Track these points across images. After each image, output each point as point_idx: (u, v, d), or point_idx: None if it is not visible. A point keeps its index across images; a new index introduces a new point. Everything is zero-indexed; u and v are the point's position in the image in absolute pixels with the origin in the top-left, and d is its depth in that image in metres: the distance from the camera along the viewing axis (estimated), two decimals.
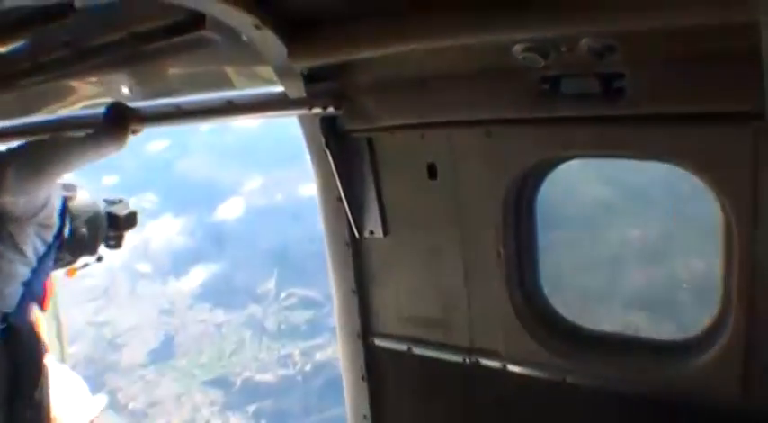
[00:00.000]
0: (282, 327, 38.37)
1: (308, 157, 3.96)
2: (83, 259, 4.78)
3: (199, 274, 42.53)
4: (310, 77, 3.43)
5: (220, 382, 35.38)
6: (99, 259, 4.78)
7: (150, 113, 4.34)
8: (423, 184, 3.55)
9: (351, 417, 4.22)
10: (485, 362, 3.59)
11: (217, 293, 40.63)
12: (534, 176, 3.34)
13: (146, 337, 38.39)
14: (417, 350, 3.81)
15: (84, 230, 4.39)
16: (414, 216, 3.69)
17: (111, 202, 4.76)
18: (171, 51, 3.76)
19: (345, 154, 3.69)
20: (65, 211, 4.35)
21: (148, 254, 42.23)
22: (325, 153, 3.67)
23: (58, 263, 4.55)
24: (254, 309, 39.57)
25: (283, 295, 40.36)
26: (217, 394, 34.84)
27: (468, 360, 3.64)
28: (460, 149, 3.40)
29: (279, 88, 3.66)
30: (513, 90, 3.09)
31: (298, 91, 3.48)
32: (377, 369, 4.03)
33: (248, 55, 3.52)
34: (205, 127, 60.27)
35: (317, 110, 3.55)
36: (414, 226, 3.71)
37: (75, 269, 4.70)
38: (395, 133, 3.57)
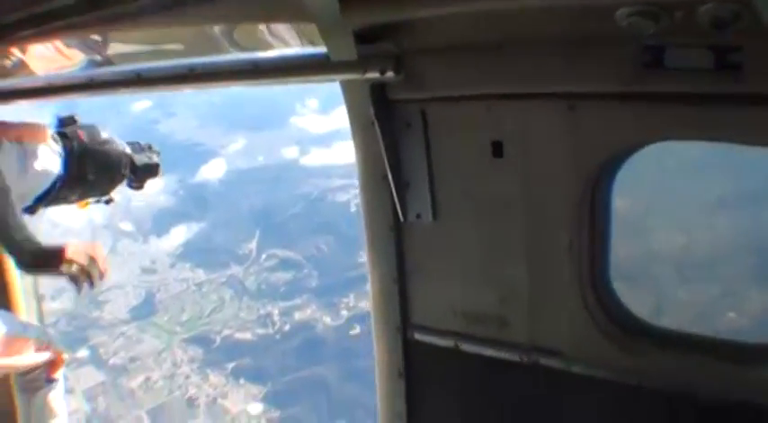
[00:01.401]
0: (262, 287, 38.91)
1: (344, 125, 3.52)
2: (93, 199, 4.62)
3: (180, 234, 42.94)
4: (362, 37, 2.99)
5: (200, 340, 35.97)
6: (108, 202, 4.57)
7: (157, 75, 3.83)
8: (485, 163, 3.12)
9: (384, 415, 3.85)
10: (545, 361, 3.25)
11: (198, 253, 41.04)
12: (620, 159, 3.01)
13: (127, 294, 38.83)
14: (465, 347, 3.43)
15: (91, 176, 4.29)
16: (470, 199, 3.25)
17: (138, 148, 4.57)
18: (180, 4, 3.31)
19: (395, 126, 3.26)
20: (70, 152, 4.27)
21: (131, 213, 42.50)
22: (372, 124, 3.22)
23: (63, 200, 4.46)
24: (235, 269, 40.02)
25: (264, 256, 40.89)
26: (197, 351, 35.46)
27: (525, 359, 3.29)
28: (535, 126, 3.00)
29: (311, 50, 3.26)
30: (607, 60, 2.73)
31: (348, 52, 3.03)
32: (416, 365, 3.67)
33: (277, 9, 3.13)
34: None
35: (370, 74, 3.11)
36: (469, 210, 3.28)
37: (88, 202, 4.64)
38: (456, 104, 3.13)
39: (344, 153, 48.83)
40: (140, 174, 4.55)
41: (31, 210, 4.22)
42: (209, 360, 35.05)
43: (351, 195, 44.15)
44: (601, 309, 3.13)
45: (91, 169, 4.33)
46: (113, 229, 41.63)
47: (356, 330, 36.09)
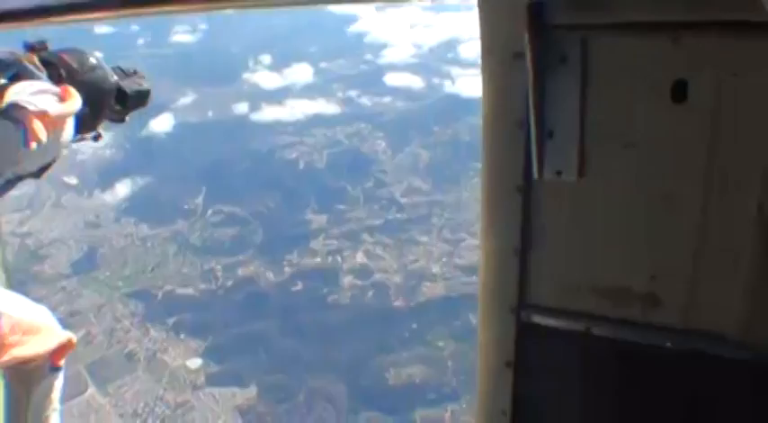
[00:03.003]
0: (207, 243, 38.79)
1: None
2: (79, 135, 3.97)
3: (126, 188, 42.51)
4: None
5: (142, 295, 35.84)
6: (95, 138, 3.94)
7: None
8: (660, 108, 2.61)
9: (483, 410, 3.34)
10: (706, 348, 2.80)
11: (143, 208, 40.72)
12: None
13: (69, 248, 38.49)
14: (599, 330, 2.93)
15: (83, 109, 3.59)
16: (633, 151, 2.70)
17: (124, 74, 3.98)
18: None
19: (547, 60, 2.68)
20: (58, 82, 3.62)
21: (75, 166, 41.95)
22: (515, 57, 2.69)
23: None
24: (181, 224, 39.84)
25: (210, 212, 40.72)
26: (138, 306, 35.33)
27: (679, 344, 2.82)
28: (741, 61, 2.45)
29: None
30: None
31: None
32: (531, 354, 3.13)
33: None
34: (142, 40, 59.10)
35: None
36: (627, 167, 2.74)
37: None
38: (630, 33, 2.58)
39: (296, 110, 48.63)
40: (131, 102, 3.96)
41: None
42: (150, 315, 34.95)
43: (299, 152, 44.12)
44: None
45: (82, 101, 3.62)
46: (57, 182, 41.03)
47: (298, 287, 36.21)
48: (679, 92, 2.58)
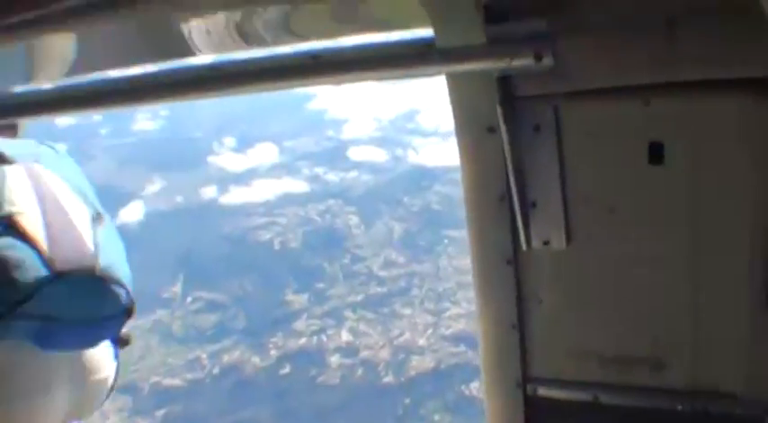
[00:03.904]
0: (189, 331, 38.59)
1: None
2: None
3: None
4: (490, 14, 2.37)
5: (128, 389, 35.21)
6: None
7: (175, 79, 2.92)
8: (639, 170, 2.58)
9: None
10: (716, 408, 2.75)
11: None
12: None
13: None
14: (609, 398, 2.88)
15: None
16: (617, 216, 2.67)
17: None
18: None
19: (521, 131, 2.62)
20: None
21: None
22: (489, 131, 2.64)
23: None
24: (161, 313, 39.54)
25: (189, 299, 40.59)
26: (125, 400, 34.74)
27: (688, 406, 2.78)
28: (713, 121, 2.45)
29: (400, 34, 2.63)
30: None
31: (471, 34, 2.40)
32: None
33: None
34: (104, 130, 58.89)
35: (500, 63, 2.44)
36: (614, 231, 2.70)
37: None
38: (603, 98, 2.55)
39: (264, 190, 49.06)
40: None
41: None
42: (138, 408, 34.40)
43: (273, 233, 44.37)
44: None
45: None
46: None
47: (286, 369, 36.06)
48: (656, 154, 2.56)
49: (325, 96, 59.69)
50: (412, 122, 55.77)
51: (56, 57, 3.19)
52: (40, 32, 2.76)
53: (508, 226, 2.78)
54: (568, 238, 2.71)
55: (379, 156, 52.16)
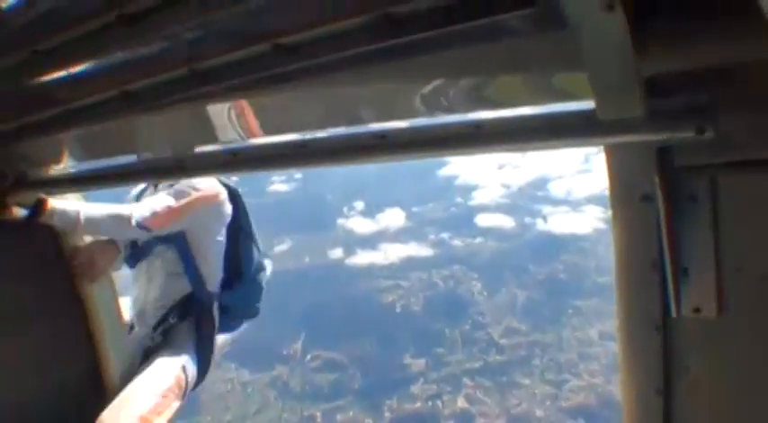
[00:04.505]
0: (306, 388, 38.79)
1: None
2: None
3: (226, 334, 43.28)
4: (651, 89, 2.29)
5: None
6: None
7: (342, 145, 3.08)
8: None
9: None
10: None
11: (244, 353, 41.13)
12: None
13: None
14: None
15: None
16: None
17: None
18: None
19: (676, 199, 2.63)
20: None
21: None
22: (644, 200, 2.68)
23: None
24: (280, 369, 40.07)
25: (309, 357, 40.96)
26: None
27: None
28: None
29: (557, 106, 2.62)
30: None
31: (630, 107, 2.28)
32: None
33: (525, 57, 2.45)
34: (242, 189, 61.02)
35: (661, 135, 2.45)
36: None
37: None
38: (762, 170, 2.51)
39: (390, 254, 49.30)
40: None
41: None
42: None
43: (396, 296, 44.33)
44: None
45: None
46: None
47: None
48: None
49: (456, 163, 60.13)
50: (541, 190, 55.06)
51: (236, 122, 3.40)
52: (225, 99, 3.05)
53: (658, 293, 2.77)
54: (720, 308, 2.64)
55: (506, 223, 51.61)
